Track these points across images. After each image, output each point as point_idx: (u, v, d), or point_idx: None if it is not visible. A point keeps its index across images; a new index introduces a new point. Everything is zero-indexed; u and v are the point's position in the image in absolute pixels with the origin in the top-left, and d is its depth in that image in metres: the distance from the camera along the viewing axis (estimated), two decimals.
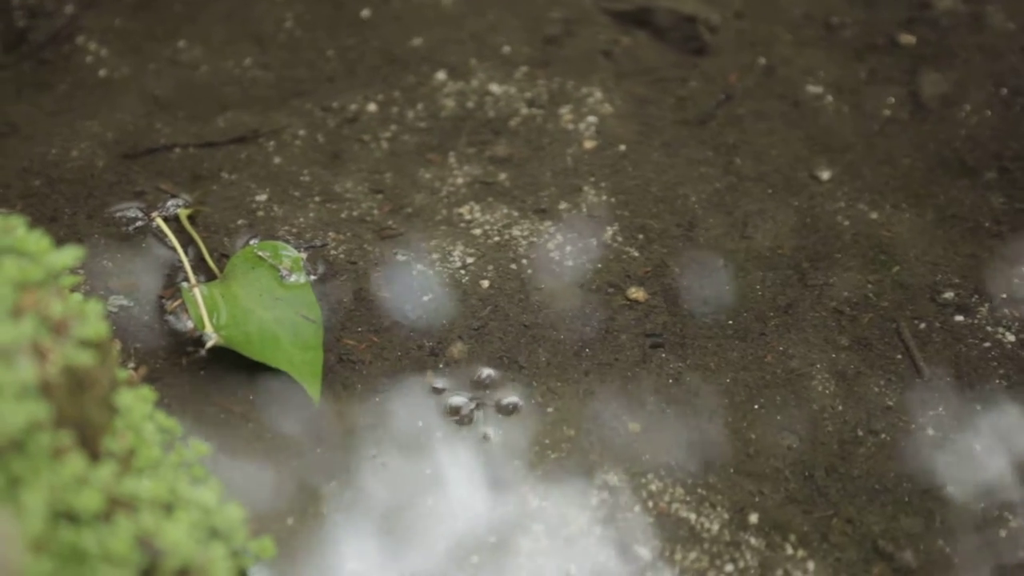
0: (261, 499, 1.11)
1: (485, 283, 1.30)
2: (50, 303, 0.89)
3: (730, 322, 1.27)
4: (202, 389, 1.19)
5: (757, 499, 1.13)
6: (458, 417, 1.18)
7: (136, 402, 1.00)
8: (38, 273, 0.91)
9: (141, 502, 0.89)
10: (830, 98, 1.51)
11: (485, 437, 1.17)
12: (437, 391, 1.20)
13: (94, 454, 0.90)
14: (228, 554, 0.93)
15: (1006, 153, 1.45)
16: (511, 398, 1.20)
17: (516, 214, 1.37)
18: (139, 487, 0.89)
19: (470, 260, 1.32)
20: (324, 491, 1.12)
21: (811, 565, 1.09)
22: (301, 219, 1.35)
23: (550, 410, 1.18)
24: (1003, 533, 1.11)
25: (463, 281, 1.30)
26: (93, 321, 0.90)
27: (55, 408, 0.85)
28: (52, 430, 0.84)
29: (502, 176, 1.41)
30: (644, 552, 1.09)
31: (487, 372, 1.22)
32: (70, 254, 0.94)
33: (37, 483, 0.81)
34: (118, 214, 1.35)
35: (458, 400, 1.19)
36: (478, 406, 1.19)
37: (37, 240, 0.95)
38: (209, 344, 1.20)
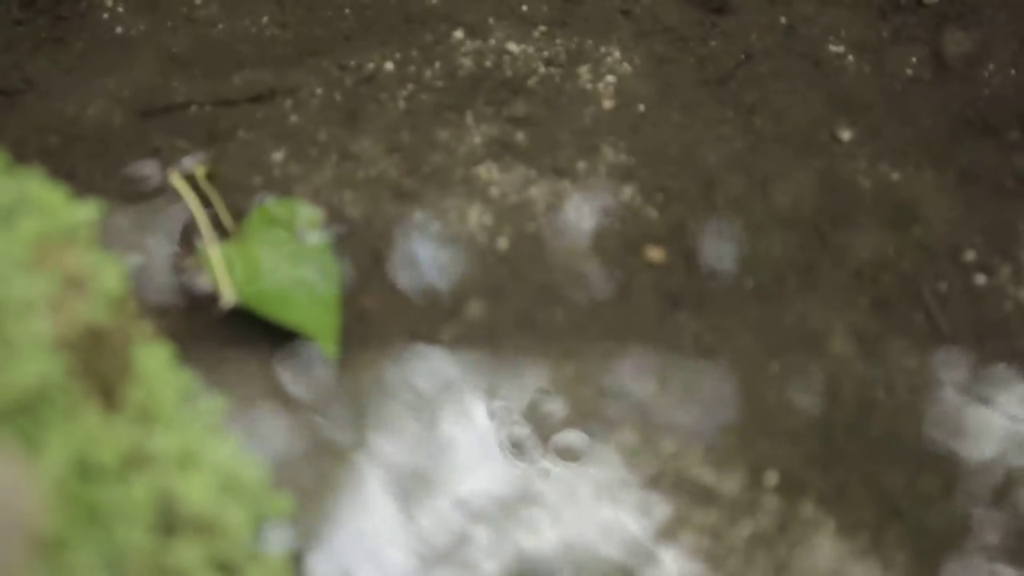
0: (277, 455, 1.11)
1: (502, 243, 1.29)
2: (67, 258, 0.89)
3: (749, 283, 1.27)
4: (219, 347, 1.19)
5: (775, 459, 1.13)
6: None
7: (153, 358, 1.00)
8: (55, 228, 0.91)
9: (158, 457, 0.89)
10: (852, 57, 1.50)
11: (501, 398, 1.17)
12: (454, 350, 1.20)
13: (111, 409, 0.90)
14: (246, 509, 0.93)
15: None
16: (531, 371, 1.19)
17: (534, 174, 1.36)
18: (156, 442, 0.89)
19: (487, 220, 1.31)
20: (340, 447, 1.12)
21: (829, 525, 1.09)
22: (318, 178, 1.35)
23: (567, 370, 1.18)
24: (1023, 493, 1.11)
25: (480, 241, 1.29)
26: (110, 277, 0.90)
27: (72, 363, 0.85)
28: (69, 385, 0.84)
29: (520, 136, 1.41)
30: (662, 512, 1.09)
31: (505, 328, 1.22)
32: (87, 209, 0.94)
33: (54, 439, 0.81)
34: (135, 172, 1.35)
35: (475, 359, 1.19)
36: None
37: (54, 195, 0.95)
38: (225, 302, 1.20)
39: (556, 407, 1.16)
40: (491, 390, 1.17)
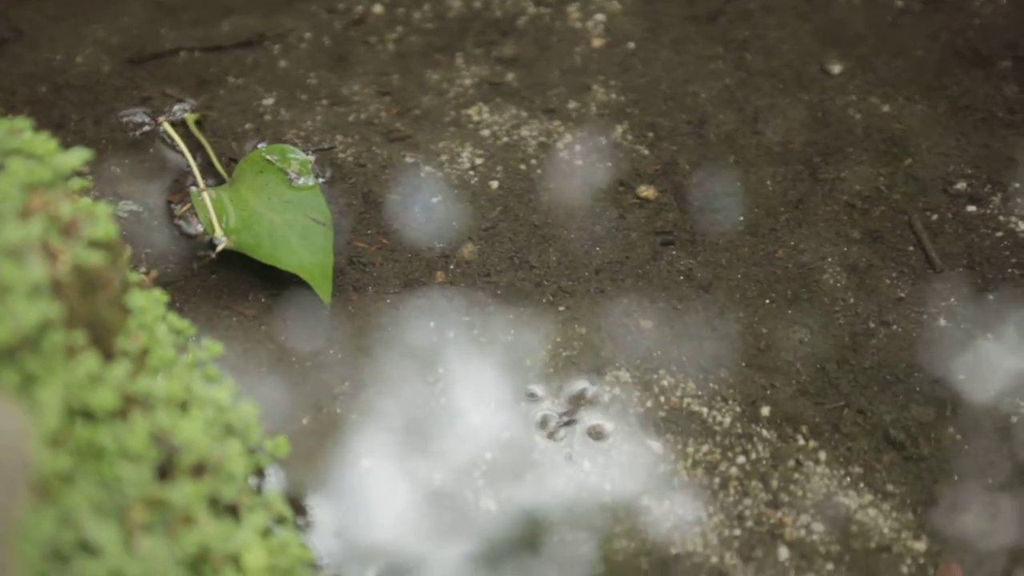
0: (274, 399, 1.12)
1: (494, 184, 1.29)
2: (59, 204, 0.89)
3: (741, 218, 1.27)
4: (213, 292, 1.19)
5: (769, 392, 1.13)
6: (470, 318, 1.18)
7: (149, 303, 1.00)
8: (46, 175, 0.91)
9: (156, 400, 0.90)
10: None
11: (496, 338, 1.17)
12: (448, 291, 1.20)
13: (107, 354, 0.91)
14: (243, 451, 0.94)
15: (1021, 42, 1.43)
16: (521, 305, 1.20)
17: (525, 114, 1.36)
18: (154, 385, 0.90)
19: (479, 161, 1.31)
20: (337, 391, 1.13)
21: (823, 455, 1.09)
22: (308, 122, 1.34)
23: (561, 309, 1.19)
24: (1014, 419, 1.12)
25: (472, 182, 1.29)
26: (102, 222, 0.90)
27: (67, 308, 0.85)
28: (65, 329, 0.84)
29: (510, 76, 1.40)
30: (657, 446, 1.10)
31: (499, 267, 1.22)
32: (78, 156, 0.94)
33: (52, 381, 0.81)
34: (125, 119, 1.34)
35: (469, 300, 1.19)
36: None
37: (44, 142, 0.94)
38: (219, 248, 1.20)
39: (551, 349, 1.16)
40: (486, 334, 1.17)
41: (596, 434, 1.11)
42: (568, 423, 1.11)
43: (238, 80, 1.39)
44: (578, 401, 1.13)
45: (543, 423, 1.11)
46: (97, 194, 1.26)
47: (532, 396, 1.13)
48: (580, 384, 1.13)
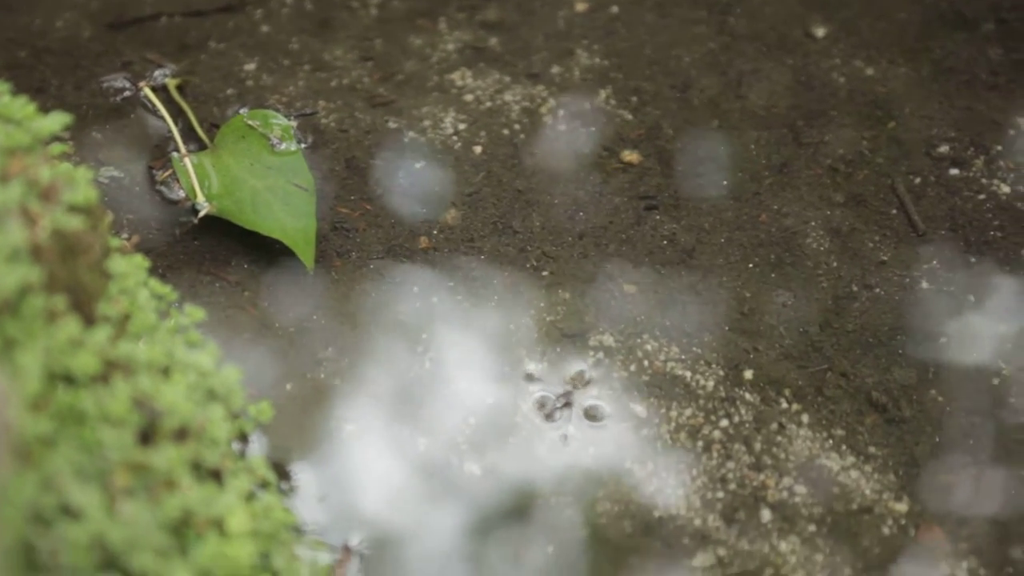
0: (258, 365, 1.12)
1: (478, 149, 1.29)
2: (38, 169, 0.89)
3: (724, 182, 1.27)
4: (195, 258, 1.19)
5: (752, 356, 1.14)
6: (453, 284, 1.18)
7: (130, 269, 1.00)
8: (25, 139, 0.91)
9: (138, 365, 0.89)
10: None
11: (480, 303, 1.17)
12: (432, 257, 1.20)
13: (89, 319, 0.90)
14: (226, 416, 0.94)
15: (1004, 4, 1.43)
16: (502, 269, 1.20)
17: (508, 79, 1.36)
18: (135, 350, 0.89)
19: (462, 126, 1.31)
20: (321, 356, 1.13)
21: (805, 418, 1.10)
22: (291, 88, 1.34)
23: (545, 274, 1.19)
24: (996, 381, 1.12)
25: (455, 148, 1.29)
26: (82, 187, 0.90)
27: (47, 272, 0.85)
28: (45, 294, 0.84)
29: (493, 41, 1.40)
30: (640, 410, 1.10)
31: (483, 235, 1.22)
32: (57, 120, 0.93)
33: (32, 345, 0.81)
34: (105, 85, 1.33)
35: (454, 266, 1.19)
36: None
37: (23, 107, 0.94)
38: (201, 213, 1.20)
39: (535, 314, 1.16)
40: (469, 299, 1.17)
41: (587, 413, 1.11)
42: (564, 404, 1.11)
43: (219, 45, 1.38)
44: (559, 367, 1.13)
45: (527, 381, 1.12)
46: (78, 160, 1.26)
47: (512, 358, 1.13)
48: (565, 349, 1.14)
